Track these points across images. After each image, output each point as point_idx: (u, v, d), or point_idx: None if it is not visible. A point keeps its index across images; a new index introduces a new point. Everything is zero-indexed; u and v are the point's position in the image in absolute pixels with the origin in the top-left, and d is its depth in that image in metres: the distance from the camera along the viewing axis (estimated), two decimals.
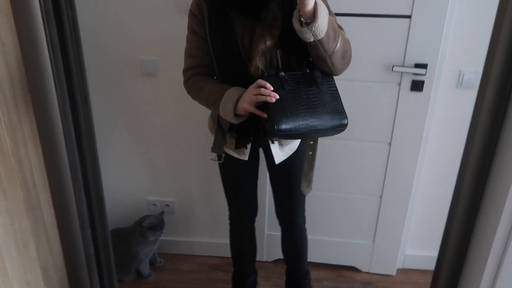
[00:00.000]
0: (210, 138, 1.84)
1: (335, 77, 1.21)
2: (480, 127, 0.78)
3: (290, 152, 1.37)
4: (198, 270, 1.98)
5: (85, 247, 0.80)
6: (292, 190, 1.46)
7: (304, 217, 1.57)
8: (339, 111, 1.13)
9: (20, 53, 1.31)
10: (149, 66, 1.72)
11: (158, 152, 1.89)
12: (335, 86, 1.18)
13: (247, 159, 1.34)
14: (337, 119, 1.13)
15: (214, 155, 1.35)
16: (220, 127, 1.33)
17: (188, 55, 1.27)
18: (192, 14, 1.23)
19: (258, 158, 1.47)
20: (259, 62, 1.16)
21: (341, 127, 1.14)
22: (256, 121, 1.19)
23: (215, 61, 1.24)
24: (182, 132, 1.84)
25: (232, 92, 1.17)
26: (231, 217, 1.63)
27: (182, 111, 1.79)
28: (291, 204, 1.52)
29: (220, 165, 1.46)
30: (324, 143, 1.75)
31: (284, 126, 1.08)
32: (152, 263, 1.96)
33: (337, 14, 1.46)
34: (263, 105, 1.12)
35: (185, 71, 1.29)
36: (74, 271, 0.81)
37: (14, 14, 0.70)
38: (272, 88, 1.09)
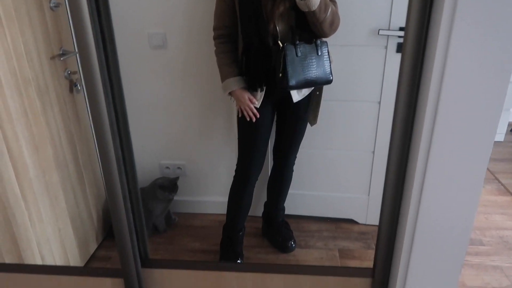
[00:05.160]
0: (216, 104, 2.02)
1: (328, 42, 1.54)
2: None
3: (307, 93, 1.65)
4: (208, 225, 2.18)
5: (120, 177, 1.00)
6: (296, 129, 1.75)
7: (295, 157, 1.86)
8: (327, 72, 1.54)
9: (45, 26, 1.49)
10: (157, 39, 1.89)
11: (169, 119, 2.08)
12: (328, 54, 1.54)
13: (258, 106, 1.58)
14: (325, 77, 1.54)
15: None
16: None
17: (215, 16, 1.58)
18: None
19: (273, 112, 1.70)
20: (278, 22, 1.47)
21: (328, 82, 1.56)
22: (264, 73, 1.53)
23: (240, 22, 1.51)
24: (191, 100, 2.01)
25: (232, 82, 1.56)
26: (238, 177, 1.79)
27: (191, 81, 1.96)
28: (290, 143, 1.79)
29: (240, 116, 1.68)
30: (321, 104, 1.92)
31: (293, 83, 1.48)
32: (167, 220, 2.16)
33: None
34: (282, 66, 1.46)
35: (213, 29, 1.60)
36: (111, 193, 1.02)
37: None
38: (257, 105, 1.56)
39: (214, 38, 1.60)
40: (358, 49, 1.80)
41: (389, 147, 1.08)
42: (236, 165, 1.78)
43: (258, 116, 1.59)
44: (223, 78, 1.60)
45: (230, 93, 1.59)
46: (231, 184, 1.82)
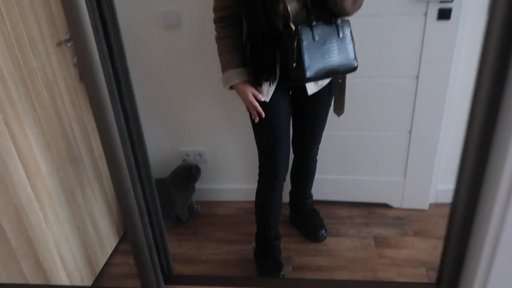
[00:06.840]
0: None
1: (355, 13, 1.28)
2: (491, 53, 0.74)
3: (324, 84, 1.42)
4: (233, 214, 2.07)
5: (134, 190, 0.86)
6: (315, 124, 1.55)
7: (318, 149, 1.68)
8: (351, 57, 1.29)
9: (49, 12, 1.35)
10: (170, 17, 1.74)
11: (186, 105, 1.95)
12: (352, 35, 1.29)
13: (267, 100, 1.35)
14: (349, 64, 1.29)
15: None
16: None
17: None
18: None
19: (289, 100, 1.47)
20: (289, 2, 1.21)
21: (353, 70, 1.31)
22: (273, 63, 1.29)
23: (244, 7, 1.26)
24: (208, 83, 1.87)
25: (232, 74, 1.33)
26: (264, 179, 1.58)
27: (208, 63, 1.81)
28: (310, 138, 1.61)
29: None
30: (352, 82, 1.74)
31: (311, 74, 1.22)
32: (189, 210, 2.07)
33: None
34: (296, 54, 1.21)
35: (213, 10, 1.36)
36: (123, 201, 0.88)
37: None
38: (264, 99, 1.32)
39: (215, 22, 1.36)
40: (392, 19, 1.61)
41: (465, 136, 0.87)
42: (259, 166, 1.57)
43: (263, 116, 1.35)
44: (223, 69, 1.36)
45: (231, 87, 1.37)
46: (255, 169, 1.66)
